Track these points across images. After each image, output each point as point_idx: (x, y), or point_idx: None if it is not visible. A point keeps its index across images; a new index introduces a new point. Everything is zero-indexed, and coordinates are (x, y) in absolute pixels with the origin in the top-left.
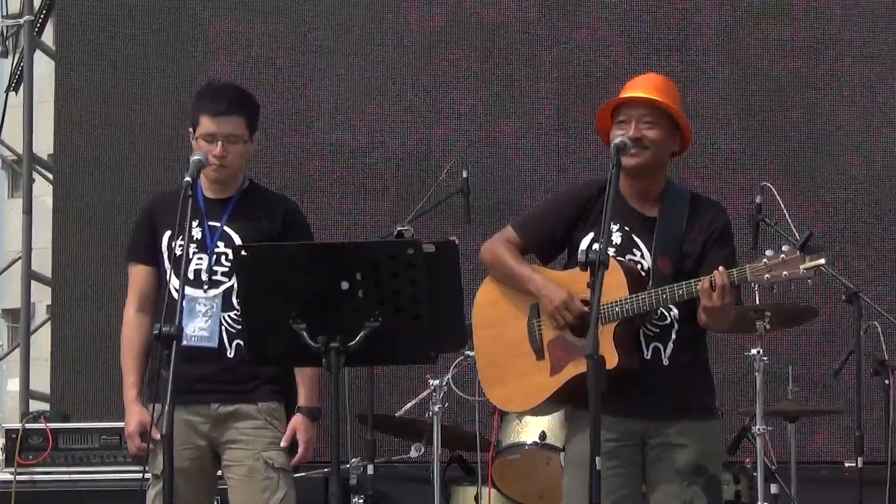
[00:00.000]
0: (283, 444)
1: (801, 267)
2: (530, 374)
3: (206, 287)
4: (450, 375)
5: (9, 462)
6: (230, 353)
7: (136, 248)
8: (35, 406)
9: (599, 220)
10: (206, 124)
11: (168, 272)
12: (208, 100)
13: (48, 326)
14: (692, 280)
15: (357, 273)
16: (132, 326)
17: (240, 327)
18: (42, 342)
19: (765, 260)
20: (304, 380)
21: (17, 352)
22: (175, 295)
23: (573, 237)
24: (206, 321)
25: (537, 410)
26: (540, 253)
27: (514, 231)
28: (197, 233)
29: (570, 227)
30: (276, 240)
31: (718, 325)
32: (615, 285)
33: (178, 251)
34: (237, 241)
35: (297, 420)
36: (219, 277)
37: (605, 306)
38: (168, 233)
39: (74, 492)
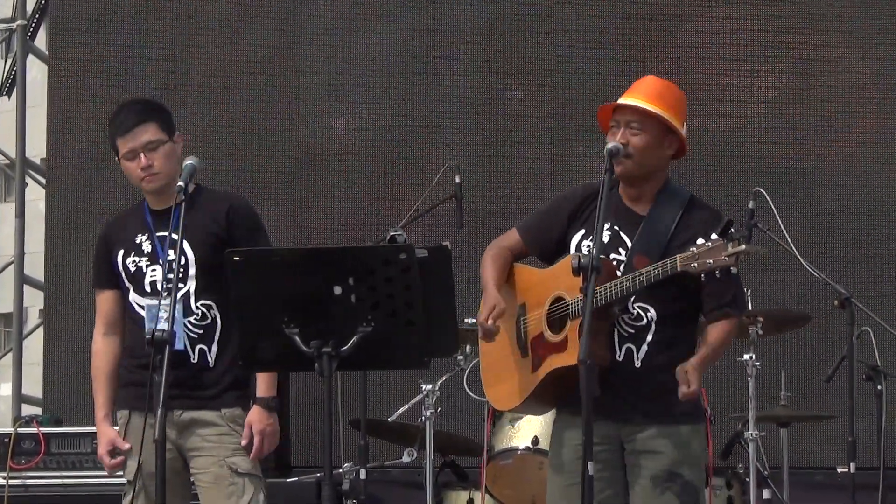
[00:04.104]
0: (242, 442)
1: (723, 254)
2: (517, 371)
3: (164, 295)
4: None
5: (1, 466)
6: (193, 359)
7: (97, 276)
8: (27, 410)
9: (591, 217)
10: (122, 144)
11: (128, 290)
12: (116, 123)
13: (41, 331)
14: (657, 264)
15: (350, 278)
16: (99, 354)
17: (201, 332)
18: (34, 346)
19: (692, 248)
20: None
21: (9, 356)
22: (138, 310)
23: (567, 236)
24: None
25: (525, 408)
26: (541, 253)
27: (518, 232)
28: (147, 246)
29: (567, 226)
30: (225, 239)
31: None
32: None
33: (131, 267)
34: (186, 247)
35: (252, 413)
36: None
37: (572, 302)
38: (121, 252)
39: (66, 496)
